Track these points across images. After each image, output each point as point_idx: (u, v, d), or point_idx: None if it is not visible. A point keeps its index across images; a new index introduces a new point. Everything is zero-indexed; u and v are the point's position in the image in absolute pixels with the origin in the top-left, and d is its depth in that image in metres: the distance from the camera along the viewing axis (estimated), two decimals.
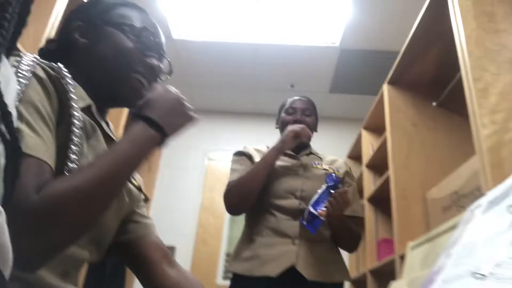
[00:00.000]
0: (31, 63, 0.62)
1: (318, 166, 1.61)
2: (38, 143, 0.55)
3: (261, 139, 1.69)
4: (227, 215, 3.89)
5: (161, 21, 3.05)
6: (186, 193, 3.98)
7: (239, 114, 4.41)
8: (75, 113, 0.65)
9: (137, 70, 0.78)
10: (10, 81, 0.38)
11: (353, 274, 2.75)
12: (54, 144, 0.59)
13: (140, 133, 0.65)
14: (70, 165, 0.60)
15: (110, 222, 0.73)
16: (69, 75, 0.67)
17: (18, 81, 0.56)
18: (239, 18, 3.06)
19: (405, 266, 1.14)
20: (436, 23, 1.74)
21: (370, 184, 2.66)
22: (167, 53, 0.86)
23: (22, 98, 0.56)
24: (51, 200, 0.52)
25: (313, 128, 1.69)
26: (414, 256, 1.12)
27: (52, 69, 0.65)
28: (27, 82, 0.58)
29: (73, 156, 0.61)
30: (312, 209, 1.41)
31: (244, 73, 3.76)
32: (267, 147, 1.64)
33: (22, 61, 0.61)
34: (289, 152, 1.62)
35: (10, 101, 0.37)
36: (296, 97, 1.74)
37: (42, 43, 1.43)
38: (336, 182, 1.48)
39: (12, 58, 0.61)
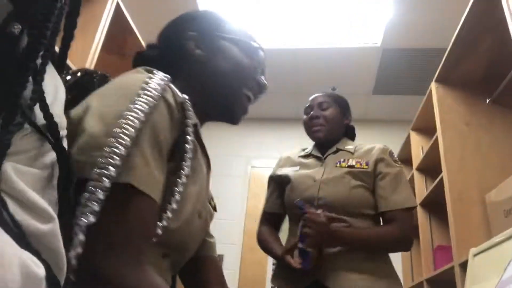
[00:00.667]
0: (162, 83, 0.59)
1: (343, 164, 1.43)
2: (149, 178, 0.52)
3: (304, 145, 1.64)
4: None
5: None
6: (231, 201, 4.00)
7: (281, 120, 4.40)
8: (188, 146, 0.62)
9: (250, 87, 0.78)
10: (58, 91, 0.38)
11: (408, 283, 2.63)
12: (163, 178, 0.57)
13: None
14: (174, 205, 0.58)
15: (193, 247, 0.73)
16: (189, 102, 0.64)
17: (146, 100, 0.55)
18: (278, 23, 3.06)
19: (468, 275, 1.06)
20: (486, 15, 1.64)
21: (422, 188, 2.53)
22: None
23: (146, 120, 0.53)
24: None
25: (336, 119, 1.53)
26: (477, 263, 1.04)
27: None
28: (156, 103, 0.56)
29: (177, 197, 0.59)
30: (300, 244, 1.26)
31: (285, 78, 3.74)
32: (303, 149, 1.60)
33: (153, 80, 0.59)
34: (315, 153, 1.53)
35: (58, 111, 0.37)
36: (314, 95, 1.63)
37: (90, 57, 1.50)
38: (300, 207, 1.29)
39: (145, 75, 0.60)
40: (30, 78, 0.31)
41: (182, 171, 0.61)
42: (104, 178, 0.47)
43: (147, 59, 0.79)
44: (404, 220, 1.33)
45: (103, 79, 0.68)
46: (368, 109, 3.91)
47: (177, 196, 0.59)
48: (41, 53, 0.31)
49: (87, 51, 1.51)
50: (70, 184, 0.37)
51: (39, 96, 0.33)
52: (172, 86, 0.62)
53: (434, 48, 3.07)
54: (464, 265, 1.14)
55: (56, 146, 0.35)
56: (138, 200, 0.51)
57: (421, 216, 2.46)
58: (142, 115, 0.53)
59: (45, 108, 0.33)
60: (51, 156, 0.35)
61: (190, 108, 0.64)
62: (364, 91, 3.78)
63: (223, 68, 0.75)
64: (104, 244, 0.48)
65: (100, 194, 0.46)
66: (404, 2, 2.74)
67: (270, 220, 1.56)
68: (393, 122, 4.07)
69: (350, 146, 1.52)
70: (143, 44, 1.95)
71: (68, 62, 1.39)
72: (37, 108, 0.34)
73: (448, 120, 2.02)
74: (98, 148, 0.49)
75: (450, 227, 1.81)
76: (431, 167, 2.43)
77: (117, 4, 1.73)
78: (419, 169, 2.60)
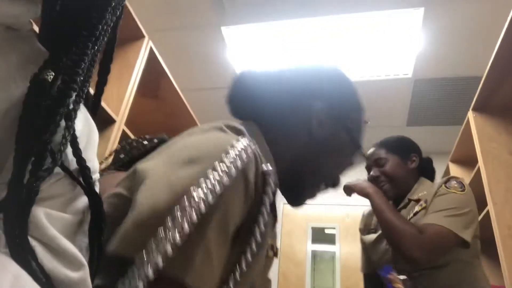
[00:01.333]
0: (249, 152, 0.50)
1: (411, 215, 1.34)
2: (208, 277, 0.45)
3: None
4: (308, 263, 3.74)
5: (227, 64, 3.19)
6: None
7: None
8: (260, 224, 0.53)
9: (330, 184, 0.74)
10: (91, 135, 0.39)
11: None
12: (221, 268, 0.48)
13: None
14: (230, 285, 0.50)
15: None
16: (272, 175, 0.55)
17: (227, 171, 0.47)
18: (308, 58, 3.09)
19: None
20: None
21: None
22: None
23: (220, 199, 0.45)
24: None
25: (398, 169, 1.45)
26: None
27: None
28: (235, 179, 0.47)
29: (237, 276, 0.50)
30: None
31: None
32: None
33: (239, 146, 0.51)
34: None
35: (91, 155, 0.37)
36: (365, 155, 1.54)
37: (126, 100, 1.55)
38: (384, 276, 1.29)
39: (230, 137, 0.53)
40: (62, 123, 0.31)
41: (249, 248, 0.52)
42: (149, 268, 0.40)
43: (241, 108, 0.72)
44: (431, 234, 1.15)
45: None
46: None
47: (237, 276, 0.50)
48: (72, 98, 0.31)
49: (123, 95, 1.57)
50: (101, 231, 0.36)
51: (71, 141, 0.33)
52: (258, 155, 0.53)
53: (467, 77, 3.00)
54: None
55: (89, 191, 0.34)
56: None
57: None
58: (218, 188, 0.45)
59: (77, 152, 0.34)
60: (83, 201, 0.35)
61: (272, 181, 0.55)
62: (398, 124, 3.71)
63: (325, 161, 0.70)
64: None
65: (141, 284, 0.40)
66: (433, 32, 2.72)
67: (367, 279, 1.52)
68: (430, 154, 3.93)
69: (423, 192, 1.39)
70: (176, 86, 2.01)
71: (104, 105, 1.45)
72: (70, 152, 0.34)
73: (489, 149, 1.93)
74: (154, 227, 0.42)
75: (501, 265, 1.68)
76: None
77: (151, 49, 1.81)
78: None
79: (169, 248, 0.41)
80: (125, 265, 0.42)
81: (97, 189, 0.37)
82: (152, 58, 1.82)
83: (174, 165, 0.48)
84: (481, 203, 1.99)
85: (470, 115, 2.08)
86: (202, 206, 0.44)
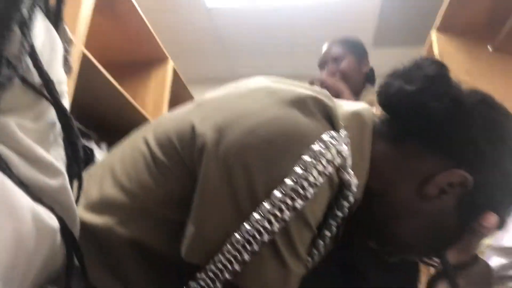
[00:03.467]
0: (339, 159, 0.44)
1: None
2: (281, 278, 0.43)
3: None
4: None
5: None
6: None
7: (216, 81, 4.25)
8: (327, 233, 0.50)
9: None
10: (55, 47, 0.38)
11: None
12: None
13: None
14: None
15: None
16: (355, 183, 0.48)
17: (317, 173, 0.42)
18: None
19: None
20: None
21: None
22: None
23: (305, 208, 0.42)
24: None
25: (353, 69, 1.38)
26: None
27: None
28: (322, 182, 0.43)
29: None
30: None
31: (281, 36, 3.66)
32: None
33: (335, 143, 0.44)
34: None
35: (56, 67, 0.37)
36: (326, 44, 1.44)
37: (82, 22, 1.45)
38: None
39: (324, 127, 0.46)
40: (18, 32, 0.30)
41: (317, 245, 0.50)
42: (225, 273, 0.41)
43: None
44: None
45: None
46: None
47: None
48: (26, 4, 0.30)
49: (78, 13, 1.47)
50: (74, 143, 0.37)
51: (31, 53, 0.32)
52: (349, 159, 0.46)
53: None
54: None
55: (54, 103, 0.34)
56: None
57: None
58: (301, 203, 0.41)
59: (37, 64, 0.33)
60: (54, 113, 0.35)
61: (351, 196, 0.49)
62: (364, 42, 3.71)
63: (405, 221, 0.53)
64: None
65: (218, 285, 0.41)
66: None
67: None
68: None
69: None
70: (136, 5, 1.89)
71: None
72: (31, 65, 0.34)
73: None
74: (227, 234, 0.41)
75: None
76: None
77: None
78: None
79: (237, 266, 0.41)
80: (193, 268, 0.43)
81: (65, 101, 0.37)
82: None
83: (246, 155, 0.42)
84: None
85: (433, 34, 2.11)
86: (277, 226, 0.41)
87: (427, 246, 0.55)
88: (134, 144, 0.55)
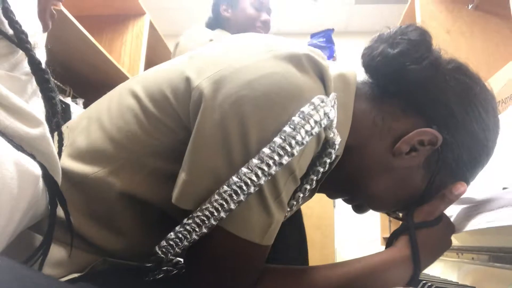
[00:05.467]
0: (326, 121, 0.46)
1: None
2: (269, 232, 0.47)
3: None
4: None
5: None
6: None
7: None
8: (307, 187, 0.53)
9: (356, 206, 0.64)
10: None
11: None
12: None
13: (396, 263, 0.53)
14: None
15: None
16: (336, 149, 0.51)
17: (309, 130, 0.44)
18: None
19: None
20: None
21: None
22: None
23: (291, 163, 0.44)
24: None
25: None
26: None
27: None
28: (311, 139, 0.45)
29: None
30: None
31: None
32: None
33: (327, 104, 0.46)
34: None
35: (30, 17, 0.36)
36: None
37: None
38: None
39: (319, 88, 0.47)
40: None
41: (297, 197, 0.54)
42: (211, 220, 0.43)
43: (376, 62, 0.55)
44: None
45: None
46: (350, 21, 3.81)
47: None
48: None
49: None
50: (51, 97, 0.36)
51: (1, 1, 0.31)
52: (334, 120, 0.48)
53: None
54: None
55: (26, 53, 0.34)
56: (250, 248, 0.46)
57: None
58: (287, 159, 0.43)
59: (7, 14, 0.32)
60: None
61: (333, 154, 0.51)
62: (346, 0, 3.65)
63: (378, 185, 0.56)
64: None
65: (204, 230, 0.44)
66: None
67: None
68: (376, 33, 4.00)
69: None
70: None
71: None
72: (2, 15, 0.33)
73: (429, 28, 1.99)
74: (217, 184, 0.43)
75: None
76: None
77: None
78: None
79: (233, 205, 0.43)
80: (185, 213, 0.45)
81: (38, 51, 0.36)
82: None
83: (238, 108, 0.43)
84: None
85: None
86: (263, 179, 0.43)
87: (395, 201, 0.59)
88: (120, 96, 0.54)
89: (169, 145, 0.48)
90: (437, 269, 0.83)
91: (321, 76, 0.49)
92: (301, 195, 0.54)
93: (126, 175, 0.49)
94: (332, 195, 0.65)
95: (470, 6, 1.97)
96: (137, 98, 0.51)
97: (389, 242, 0.57)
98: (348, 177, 0.57)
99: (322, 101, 0.46)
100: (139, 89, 0.52)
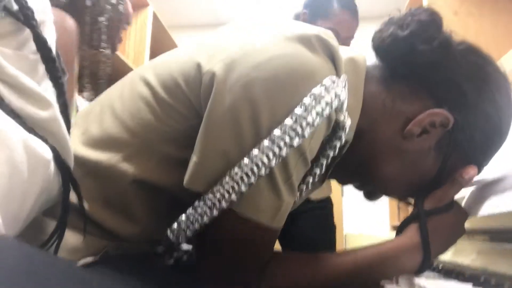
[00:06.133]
0: (336, 102, 0.46)
1: None
2: (279, 215, 0.47)
3: None
4: None
5: None
6: None
7: (199, 27, 4.01)
8: (318, 171, 0.53)
9: (369, 193, 0.63)
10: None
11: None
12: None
13: (405, 251, 0.53)
14: None
15: None
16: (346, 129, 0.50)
17: (320, 112, 0.44)
18: None
19: None
20: None
21: None
22: None
23: (302, 145, 0.44)
24: None
25: None
26: None
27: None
28: (319, 123, 0.45)
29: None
30: None
31: None
32: None
33: (338, 85, 0.46)
34: None
35: None
36: None
37: None
38: None
39: (330, 69, 0.47)
40: None
41: (307, 181, 0.53)
42: (223, 202, 0.43)
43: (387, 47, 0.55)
44: None
45: None
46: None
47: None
48: None
49: None
50: (58, 78, 0.36)
51: None
52: (345, 102, 0.48)
53: None
54: None
55: (32, 31, 0.33)
56: (260, 231, 0.46)
57: None
58: (298, 141, 0.43)
59: None
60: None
61: (343, 137, 0.51)
62: None
63: (381, 158, 0.56)
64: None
65: (215, 212, 0.44)
66: None
67: None
68: (382, 17, 3.93)
69: None
70: None
71: None
72: None
73: (436, 9, 1.96)
74: (228, 166, 0.43)
75: None
76: None
77: None
78: None
79: (244, 187, 0.43)
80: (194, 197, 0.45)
81: (47, 29, 0.36)
82: None
83: (249, 90, 0.43)
84: None
85: None
86: (274, 161, 0.43)
87: (406, 186, 0.58)
88: (132, 84, 0.54)
89: (181, 131, 0.49)
90: (448, 252, 0.83)
91: (332, 57, 0.49)
92: (311, 179, 0.54)
93: (139, 161, 0.49)
94: (343, 180, 0.65)
95: None
96: (149, 86, 0.51)
97: (400, 229, 0.56)
98: (358, 162, 0.57)
99: (334, 82, 0.45)
100: (151, 77, 0.52)
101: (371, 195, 0.63)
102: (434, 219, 0.54)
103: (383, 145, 0.55)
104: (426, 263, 0.53)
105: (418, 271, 0.53)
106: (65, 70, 0.39)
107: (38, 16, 0.35)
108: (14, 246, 0.20)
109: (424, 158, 0.55)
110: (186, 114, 0.48)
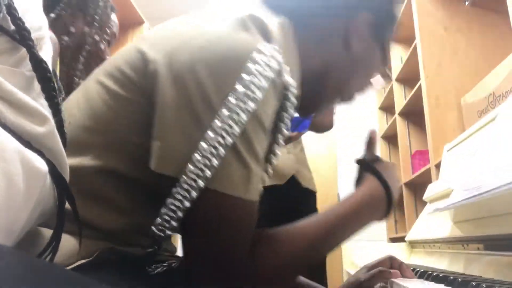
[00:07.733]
0: (274, 63, 0.49)
1: None
2: (251, 185, 0.48)
3: None
4: None
5: None
6: None
7: None
8: (280, 136, 0.59)
9: (346, 99, 0.70)
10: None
11: None
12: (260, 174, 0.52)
13: (376, 196, 0.61)
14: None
15: None
16: (295, 89, 0.56)
17: (258, 82, 0.47)
18: None
19: (442, 170, 1.14)
20: None
21: (401, 98, 2.59)
22: None
23: (257, 111, 0.47)
24: (264, 271, 0.51)
25: None
26: (450, 158, 1.12)
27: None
28: (266, 88, 0.48)
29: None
30: None
31: None
32: None
33: (266, 52, 0.49)
34: None
35: (34, 13, 0.36)
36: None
37: None
38: None
39: (254, 40, 0.51)
40: None
41: (273, 149, 0.59)
42: (199, 181, 0.45)
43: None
44: None
45: None
46: None
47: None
48: None
49: None
50: (53, 97, 0.37)
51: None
52: (283, 65, 0.52)
53: None
54: (439, 166, 1.22)
55: (28, 50, 0.34)
56: (237, 205, 0.48)
57: (400, 125, 2.55)
58: (252, 105, 0.46)
59: (11, 10, 0.32)
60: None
61: (292, 96, 0.56)
62: None
63: (352, 76, 0.66)
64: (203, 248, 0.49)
65: (194, 193, 0.45)
66: None
67: None
68: None
69: None
70: None
71: None
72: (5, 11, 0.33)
73: (426, 26, 2.01)
74: (193, 144, 0.45)
75: (427, 131, 1.89)
76: (410, 77, 2.46)
77: None
78: (398, 79, 2.63)
79: (213, 162, 0.45)
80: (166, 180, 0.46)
81: (44, 47, 0.36)
82: None
83: (194, 75, 0.46)
84: (416, 78, 2.15)
85: None
86: (241, 117, 0.46)
87: (360, 80, 0.68)
88: (86, 88, 0.57)
89: (139, 119, 0.50)
90: (444, 262, 0.83)
91: (264, 31, 0.55)
92: (277, 146, 0.59)
93: (110, 156, 0.51)
94: (322, 109, 0.72)
95: (466, 3, 1.98)
96: (101, 84, 0.54)
97: (356, 184, 0.65)
98: (329, 93, 0.66)
99: (267, 48, 0.49)
100: (101, 76, 0.55)
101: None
102: (378, 165, 0.64)
103: (341, 70, 0.64)
104: (391, 202, 0.61)
105: (387, 211, 0.61)
106: (61, 88, 0.40)
107: (35, 33, 0.35)
108: (9, 252, 0.20)
109: (369, 53, 0.65)
110: (137, 100, 0.50)
